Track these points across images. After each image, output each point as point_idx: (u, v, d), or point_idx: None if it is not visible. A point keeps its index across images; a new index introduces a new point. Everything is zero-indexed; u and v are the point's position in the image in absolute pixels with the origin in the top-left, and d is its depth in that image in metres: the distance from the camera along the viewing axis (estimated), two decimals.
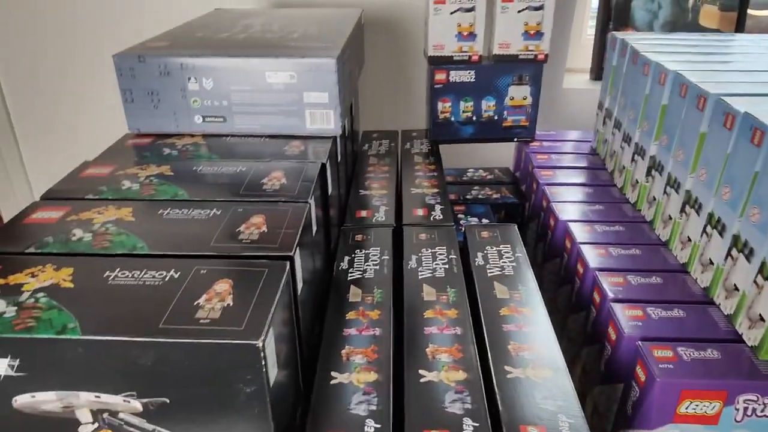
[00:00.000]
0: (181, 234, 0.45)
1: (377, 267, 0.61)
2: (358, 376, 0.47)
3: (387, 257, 0.62)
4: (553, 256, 0.73)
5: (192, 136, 0.65)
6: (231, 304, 0.36)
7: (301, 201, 0.50)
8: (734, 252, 0.51)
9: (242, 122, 0.64)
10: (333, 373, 0.47)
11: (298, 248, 0.44)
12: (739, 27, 1.14)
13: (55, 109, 1.10)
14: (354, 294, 0.57)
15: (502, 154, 1.07)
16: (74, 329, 0.34)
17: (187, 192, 0.52)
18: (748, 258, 0.49)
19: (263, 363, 0.34)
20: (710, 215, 0.55)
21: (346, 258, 0.63)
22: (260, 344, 0.33)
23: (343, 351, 0.49)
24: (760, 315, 0.47)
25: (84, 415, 0.36)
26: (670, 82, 0.64)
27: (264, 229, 0.46)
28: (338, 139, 0.67)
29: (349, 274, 0.60)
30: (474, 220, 0.86)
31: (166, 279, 0.39)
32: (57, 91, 1.09)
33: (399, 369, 0.48)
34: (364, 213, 0.72)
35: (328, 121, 0.64)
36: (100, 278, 0.39)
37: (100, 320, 0.35)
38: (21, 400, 0.35)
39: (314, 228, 0.53)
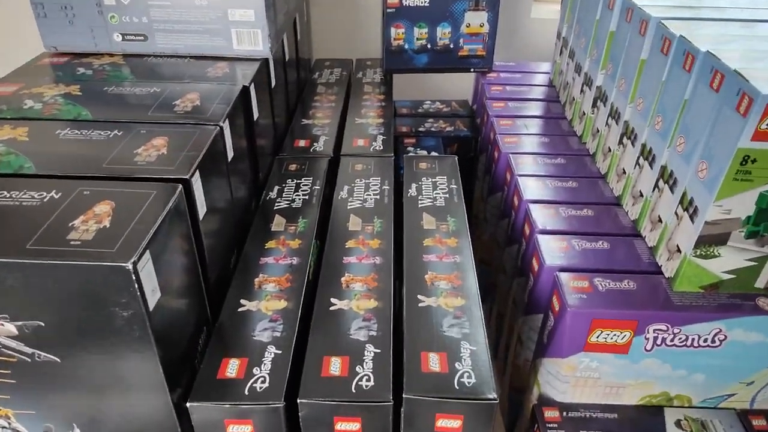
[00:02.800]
0: (73, 155, 0.42)
1: (306, 197, 0.59)
2: (267, 304, 0.46)
3: (318, 187, 0.61)
4: (496, 189, 0.71)
5: (111, 55, 0.61)
6: (108, 225, 0.35)
7: (211, 124, 0.48)
8: (661, 183, 0.50)
9: (165, 41, 0.60)
10: (242, 301, 0.46)
11: (198, 172, 0.42)
12: None
13: None
14: (277, 223, 0.55)
15: (463, 86, 1.03)
16: None
17: (92, 112, 0.49)
18: (672, 189, 0.48)
19: (137, 286, 0.32)
20: (643, 146, 0.53)
21: (276, 188, 0.61)
22: (130, 266, 0.32)
23: (257, 279, 0.48)
24: (677, 246, 0.46)
25: None
26: (618, 6, 0.60)
27: (164, 151, 0.43)
28: (270, 62, 0.64)
29: (276, 204, 0.58)
30: (423, 153, 0.83)
31: (45, 200, 0.37)
32: None
33: (313, 298, 0.47)
34: (302, 143, 0.70)
35: (256, 42, 0.60)
36: None
37: None
38: None
39: (230, 154, 0.50)
